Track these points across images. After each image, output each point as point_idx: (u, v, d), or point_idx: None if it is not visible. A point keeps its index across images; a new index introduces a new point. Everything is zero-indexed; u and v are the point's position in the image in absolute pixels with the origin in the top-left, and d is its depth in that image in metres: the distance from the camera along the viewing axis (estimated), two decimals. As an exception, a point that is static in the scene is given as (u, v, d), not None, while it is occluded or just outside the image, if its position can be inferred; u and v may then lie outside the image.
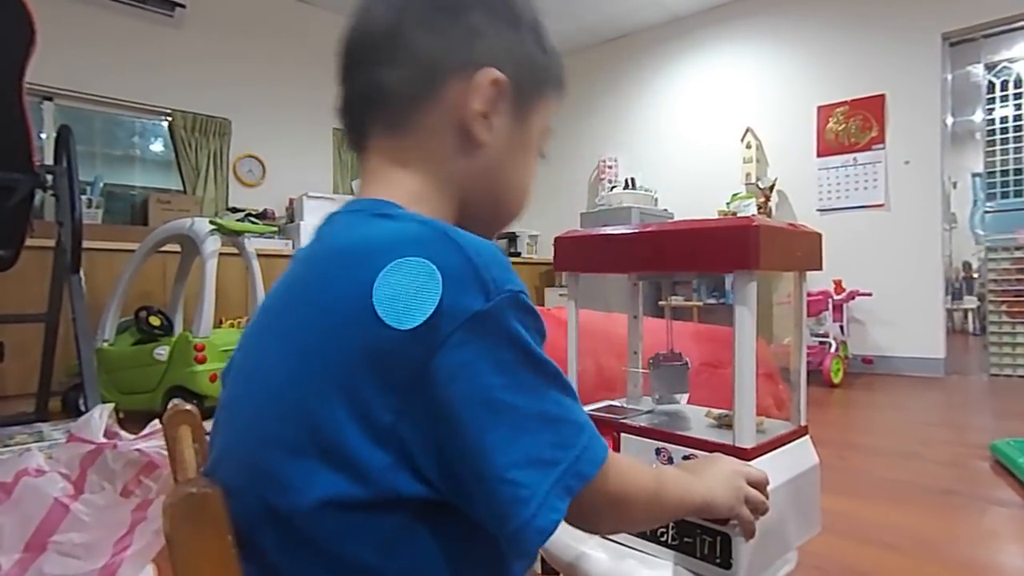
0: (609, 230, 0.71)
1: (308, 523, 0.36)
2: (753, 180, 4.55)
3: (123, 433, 1.55)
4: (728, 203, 4.58)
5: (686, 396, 0.82)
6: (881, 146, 4.11)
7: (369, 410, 0.35)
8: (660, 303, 4.55)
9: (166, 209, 3.73)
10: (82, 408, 2.15)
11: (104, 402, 1.75)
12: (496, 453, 0.35)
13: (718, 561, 0.58)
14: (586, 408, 0.81)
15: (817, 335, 3.91)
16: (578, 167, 5.81)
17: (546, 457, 0.36)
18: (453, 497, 0.37)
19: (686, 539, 0.61)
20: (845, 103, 4.25)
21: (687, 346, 2.56)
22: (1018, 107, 3.95)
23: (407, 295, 0.35)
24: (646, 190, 5.11)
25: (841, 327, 3.95)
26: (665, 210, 5.01)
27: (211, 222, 2.65)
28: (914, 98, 4.00)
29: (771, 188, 4.46)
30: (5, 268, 2.11)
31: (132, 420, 1.69)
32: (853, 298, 3.96)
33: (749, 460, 0.61)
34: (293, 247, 4.23)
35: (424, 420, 0.35)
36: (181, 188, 4.26)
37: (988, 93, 4.04)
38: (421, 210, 0.45)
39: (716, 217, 4.41)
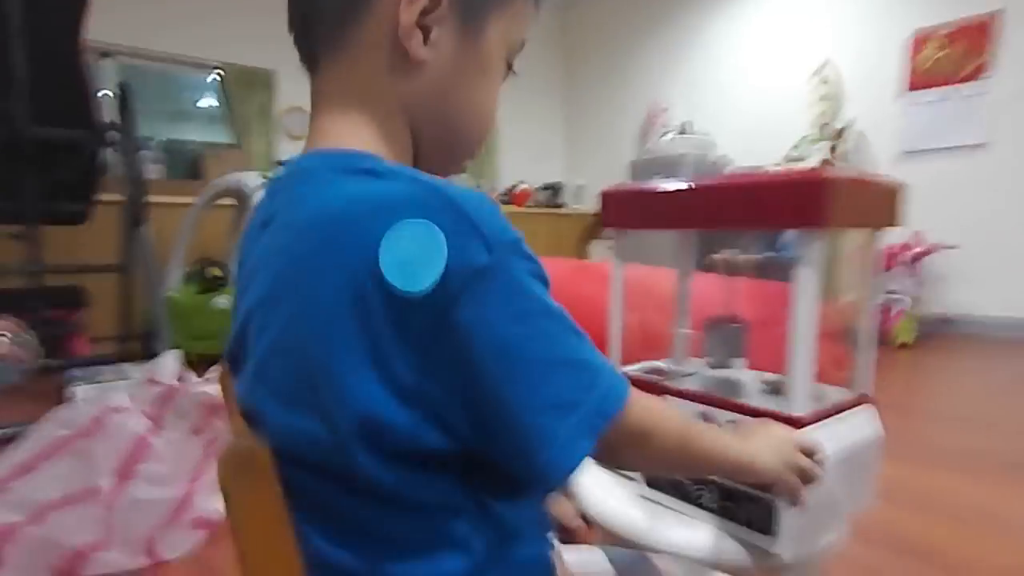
0: (661, 185, 0.66)
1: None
2: (827, 120, 4.18)
3: (192, 376, 1.67)
4: (796, 147, 4.24)
5: (743, 361, 0.77)
6: (987, 75, 3.63)
7: (394, 374, 0.36)
8: (712, 256, 4.36)
9: (219, 163, 3.82)
10: (156, 352, 2.29)
11: (174, 347, 1.87)
12: (521, 401, 0.36)
13: (761, 528, 0.56)
14: (627, 368, 0.77)
15: (890, 291, 3.65)
16: (628, 112, 5.53)
17: (568, 399, 0.37)
18: (480, 444, 0.38)
19: (727, 503, 0.58)
20: (948, 25, 3.75)
21: (739, 304, 2.49)
22: None
23: (414, 259, 0.34)
24: (703, 134, 4.80)
25: (919, 283, 3.68)
26: (724, 156, 4.68)
27: (261, 175, 2.71)
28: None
29: (847, 129, 4.10)
30: (79, 222, 2.22)
31: (201, 364, 1.80)
32: (935, 251, 3.65)
33: (801, 428, 0.57)
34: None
35: (447, 377, 0.36)
36: (233, 142, 4.34)
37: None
38: (381, 152, 0.42)
39: (781, 164, 4.18)
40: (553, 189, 5.44)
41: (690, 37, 5.12)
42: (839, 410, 0.62)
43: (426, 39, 0.42)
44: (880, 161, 4.11)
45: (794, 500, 0.53)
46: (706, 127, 4.84)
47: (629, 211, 0.71)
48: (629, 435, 0.41)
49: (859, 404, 0.65)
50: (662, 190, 0.66)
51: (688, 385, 0.70)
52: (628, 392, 0.40)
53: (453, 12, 0.42)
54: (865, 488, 0.65)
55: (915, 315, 3.52)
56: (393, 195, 0.37)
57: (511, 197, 5.21)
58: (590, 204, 5.48)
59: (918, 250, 3.63)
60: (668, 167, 4.34)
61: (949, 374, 2.86)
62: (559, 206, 5.39)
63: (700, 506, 0.61)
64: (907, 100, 3.97)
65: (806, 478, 0.53)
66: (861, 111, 4.12)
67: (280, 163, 4.38)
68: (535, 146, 5.98)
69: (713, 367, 0.77)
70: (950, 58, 3.77)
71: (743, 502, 0.56)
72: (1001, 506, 1.41)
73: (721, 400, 0.63)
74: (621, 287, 0.74)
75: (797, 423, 0.57)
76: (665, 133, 5.00)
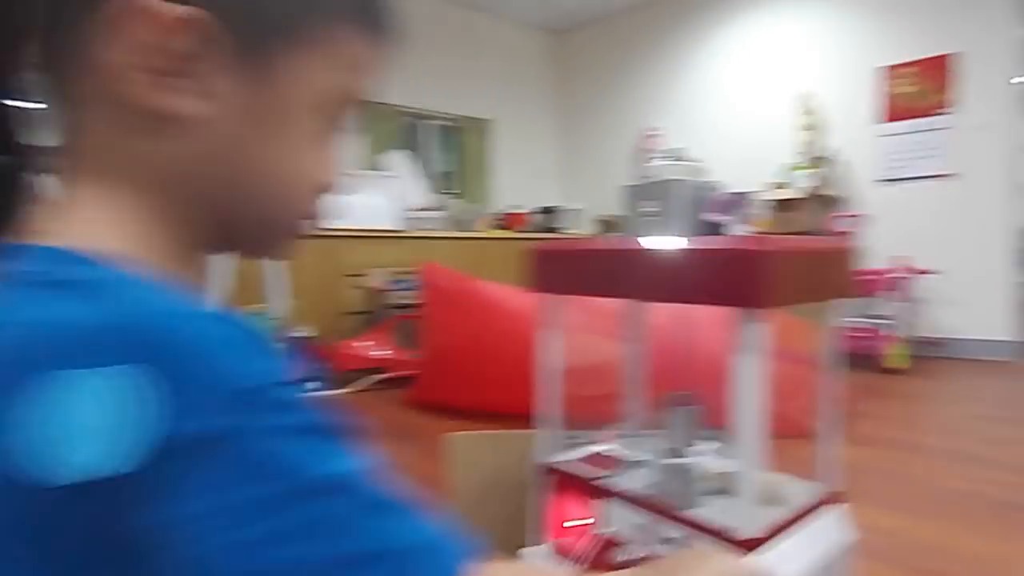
0: (594, 246, 0.57)
1: None
2: (810, 149, 4.22)
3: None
4: (782, 173, 4.28)
5: (703, 445, 0.67)
6: (950, 110, 3.74)
7: None
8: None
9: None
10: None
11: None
12: None
13: None
14: (563, 457, 0.67)
15: (878, 316, 3.62)
16: (621, 137, 5.56)
17: None
18: None
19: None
20: (914, 63, 3.87)
21: (715, 334, 2.38)
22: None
23: (66, 434, 0.22)
24: (693, 161, 4.82)
25: (904, 308, 3.65)
26: (714, 182, 4.69)
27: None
28: (988, 56, 3.61)
29: (829, 157, 4.14)
30: None
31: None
32: (916, 276, 3.64)
33: (751, 550, 0.46)
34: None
35: None
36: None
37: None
38: (130, 245, 0.30)
39: (768, 190, 4.18)
40: (549, 212, 5.38)
41: (681, 64, 5.15)
42: (800, 517, 0.52)
43: (180, 86, 0.30)
44: (861, 188, 4.14)
45: None
46: (697, 153, 4.86)
47: (562, 274, 0.61)
48: None
49: (826, 504, 0.55)
50: (595, 252, 0.56)
51: (635, 482, 0.59)
52: (466, 555, 0.27)
53: (223, 49, 0.31)
54: (837, 606, 0.55)
55: (906, 339, 3.48)
56: (65, 328, 0.24)
57: (506, 221, 5.13)
58: (587, 228, 5.45)
59: (902, 274, 3.60)
60: (660, 191, 4.30)
61: (935, 402, 2.79)
62: (555, 230, 5.32)
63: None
64: (881, 131, 4.02)
65: None
66: (842, 140, 4.18)
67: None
68: (530, 169, 5.96)
69: (671, 454, 0.67)
70: (919, 93, 3.86)
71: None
72: (987, 558, 1.31)
73: (664, 511, 0.53)
74: (558, 354, 0.64)
75: (746, 545, 0.46)
76: (657, 158, 5.00)
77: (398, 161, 4.98)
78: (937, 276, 3.69)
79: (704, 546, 0.48)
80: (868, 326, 3.55)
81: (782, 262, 0.43)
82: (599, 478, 0.59)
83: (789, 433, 2.16)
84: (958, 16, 3.70)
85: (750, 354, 0.44)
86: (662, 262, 0.48)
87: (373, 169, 4.82)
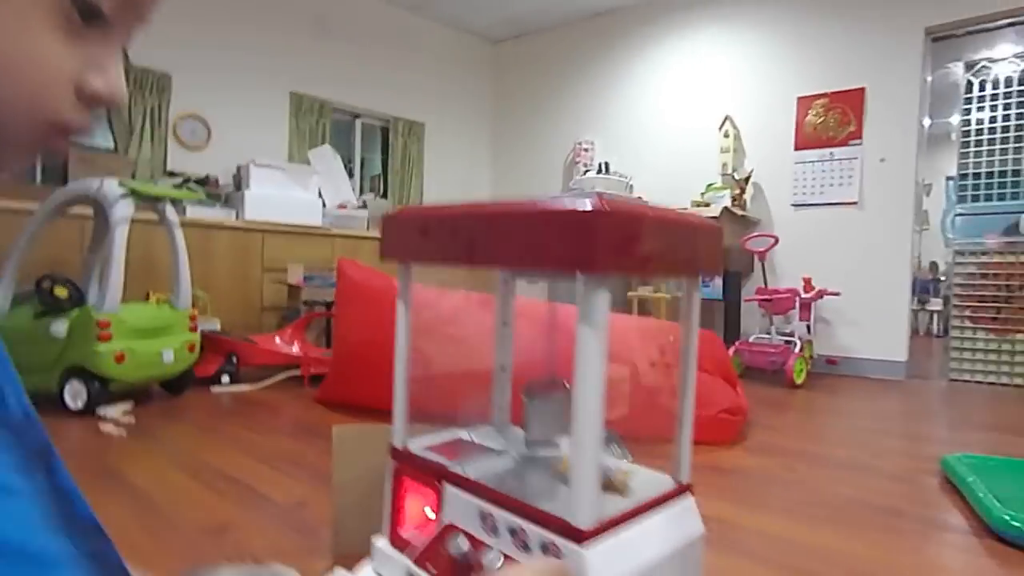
0: (440, 209, 0.53)
1: None
2: (729, 171, 4.40)
3: None
4: (703, 193, 4.43)
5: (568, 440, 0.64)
6: (858, 142, 3.98)
7: None
8: (628, 294, 4.41)
9: (89, 168, 3.44)
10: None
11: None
12: None
13: None
14: (423, 440, 0.62)
15: (783, 334, 3.80)
16: (554, 148, 5.63)
17: None
18: None
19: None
20: (825, 95, 4.11)
21: (632, 343, 2.40)
22: (994, 109, 3.83)
23: None
24: (621, 175, 4.94)
25: (808, 326, 3.84)
26: (639, 198, 4.84)
27: (122, 183, 2.41)
28: (894, 94, 3.88)
29: (747, 180, 4.31)
30: None
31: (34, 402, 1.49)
32: (821, 297, 3.85)
33: (586, 544, 0.43)
34: (237, 216, 3.99)
35: None
36: (112, 147, 3.96)
37: (966, 93, 3.92)
38: None
39: (689, 208, 4.33)
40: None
41: (614, 80, 5.26)
42: (646, 510, 0.49)
43: None
44: (774, 211, 4.34)
45: None
46: (624, 168, 4.99)
47: (410, 239, 0.56)
48: None
49: (677, 497, 0.53)
50: (443, 214, 0.52)
51: (480, 471, 0.55)
52: None
53: None
54: (683, 603, 0.52)
55: (806, 356, 3.65)
56: None
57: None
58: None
59: (806, 296, 3.79)
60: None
61: (831, 415, 2.92)
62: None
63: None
64: (795, 157, 4.25)
65: None
66: (759, 163, 4.37)
67: (170, 174, 4.04)
68: (461, 174, 5.92)
69: (531, 446, 0.63)
70: (827, 124, 4.10)
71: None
72: (867, 563, 1.35)
73: (503, 499, 0.49)
74: (407, 337, 0.59)
75: (580, 537, 0.43)
76: (586, 171, 5.09)
77: (325, 157, 4.83)
78: (839, 298, 3.91)
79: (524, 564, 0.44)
80: (778, 343, 3.71)
81: (625, 224, 0.40)
82: (443, 464, 0.55)
83: (706, 439, 2.22)
84: (871, 52, 3.95)
85: (590, 326, 0.41)
86: (502, 221, 0.45)
87: (299, 162, 4.66)
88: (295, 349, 3.34)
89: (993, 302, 3.74)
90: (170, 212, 2.68)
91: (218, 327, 3.49)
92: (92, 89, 0.32)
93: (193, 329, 2.78)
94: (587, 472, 0.42)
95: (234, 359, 3.17)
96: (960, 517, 1.64)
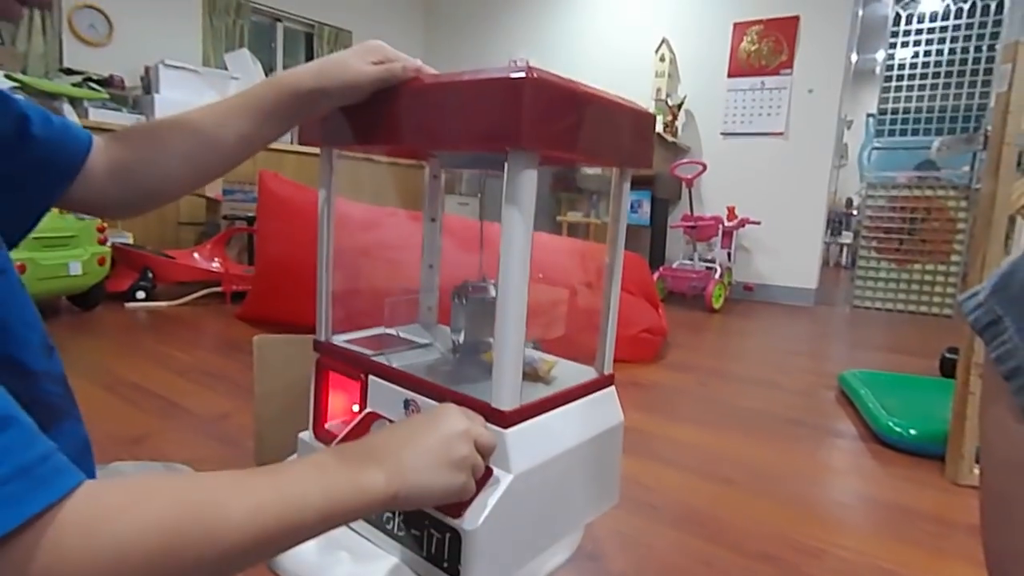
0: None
1: None
2: (663, 96, 4.39)
3: None
4: (634, 118, 4.42)
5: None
6: (789, 72, 4.04)
7: None
8: (557, 219, 4.43)
9: (-29, 60, 3.04)
10: None
11: None
12: None
13: (446, 565, 0.42)
14: (346, 336, 0.61)
15: (705, 260, 3.95)
16: (486, 62, 5.36)
17: None
18: None
19: (413, 531, 0.44)
20: (761, 22, 4.10)
21: (564, 263, 2.43)
22: (917, 44, 3.96)
23: None
24: (555, 96, 4.85)
25: (729, 254, 4.00)
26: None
27: (9, 76, 2.15)
28: (826, 25, 3.92)
29: (679, 106, 4.32)
30: None
31: None
32: (743, 226, 4.00)
33: (507, 426, 0.43)
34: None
35: None
36: (-5, 37, 3.51)
37: (893, 27, 4.01)
38: None
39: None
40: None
41: (548, -2, 5.04)
42: (567, 399, 0.50)
43: None
44: (704, 139, 4.39)
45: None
46: None
47: (331, 121, 0.52)
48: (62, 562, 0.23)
49: (598, 388, 0.54)
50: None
51: (408, 361, 0.54)
52: (65, 487, 0.23)
53: None
54: (601, 487, 0.55)
55: (724, 283, 3.82)
56: None
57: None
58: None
59: (729, 224, 3.92)
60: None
61: (744, 337, 3.10)
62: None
63: (388, 533, 0.47)
64: (728, 84, 4.25)
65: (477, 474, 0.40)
66: (693, 90, 4.37)
67: (67, 71, 3.63)
68: None
69: (462, 348, 0.62)
70: (760, 52, 4.11)
71: (428, 530, 0.42)
72: (768, 465, 1.48)
73: (426, 384, 0.49)
74: (330, 224, 0.56)
75: (502, 419, 0.43)
76: None
77: (244, 62, 4.46)
78: (758, 227, 4.07)
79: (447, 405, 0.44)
80: (699, 269, 3.86)
81: (556, 95, 0.38)
82: (367, 355, 0.54)
83: (627, 357, 2.31)
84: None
85: (515, 205, 0.40)
86: (428, 96, 0.42)
87: (215, 67, 4.29)
88: (215, 265, 3.19)
89: (897, 234, 4.01)
90: (69, 113, 2.43)
91: (130, 240, 3.27)
92: None
93: (102, 241, 2.59)
94: (510, 355, 0.42)
95: (150, 275, 3.00)
96: (851, 425, 1.81)
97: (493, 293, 0.62)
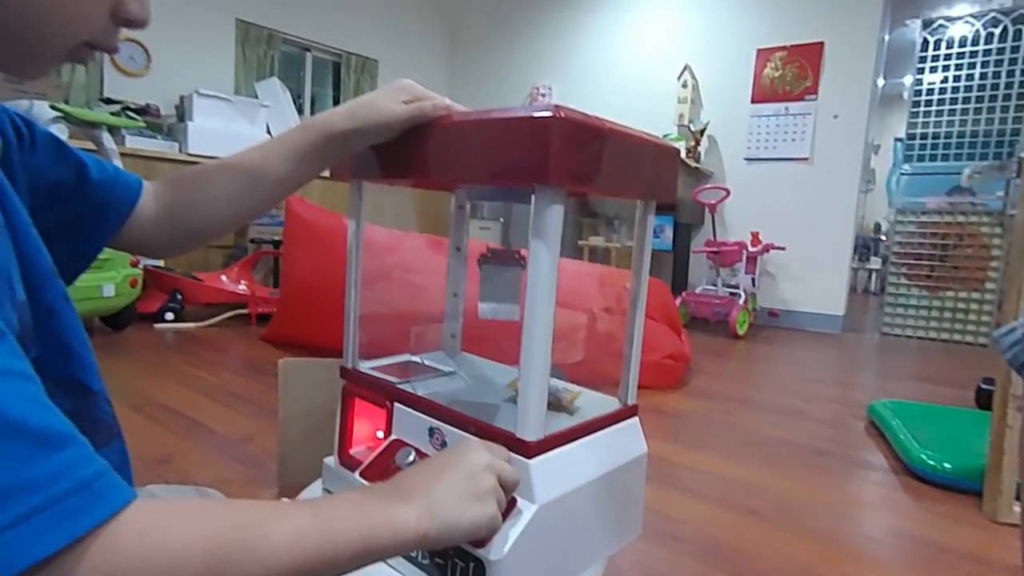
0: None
1: None
2: (685, 122, 4.40)
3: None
4: (659, 143, 4.43)
5: (516, 310, 0.62)
6: (813, 97, 4.03)
7: None
8: (579, 243, 4.44)
9: (18, 90, 3.18)
10: None
11: None
12: None
13: (470, 594, 0.42)
14: (372, 363, 0.61)
15: (729, 286, 3.91)
16: (511, 92, 5.49)
17: None
18: None
19: (437, 560, 0.44)
20: (784, 48, 4.11)
21: (587, 289, 2.43)
22: (946, 69, 3.92)
23: None
24: (577, 122, 4.89)
25: (753, 279, 3.96)
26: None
27: (53, 106, 2.24)
28: (852, 50, 3.91)
29: (702, 132, 4.33)
30: None
31: None
32: (767, 251, 3.96)
33: (531, 457, 0.44)
34: (180, 149, 3.78)
35: None
36: (41, 67, 3.65)
37: (921, 51, 3.98)
38: None
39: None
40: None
41: (574, 24, 5.13)
42: (590, 429, 0.50)
43: None
44: (727, 164, 4.38)
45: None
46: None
47: (361, 155, 0.54)
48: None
49: (621, 418, 0.54)
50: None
51: (433, 390, 0.55)
52: (121, 502, 0.25)
53: None
54: (623, 519, 0.54)
55: (749, 308, 3.78)
56: None
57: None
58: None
59: (753, 250, 3.89)
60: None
61: (769, 364, 3.05)
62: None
63: (413, 561, 0.47)
64: (751, 111, 4.26)
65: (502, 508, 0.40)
66: (715, 116, 4.38)
67: (107, 101, 3.77)
68: None
69: (484, 310, 0.61)
70: (784, 78, 4.11)
71: (452, 559, 0.42)
72: (794, 497, 1.44)
73: (451, 413, 0.49)
74: (358, 257, 0.57)
75: (526, 450, 0.43)
76: None
77: (274, 91, 4.60)
78: (783, 252, 4.03)
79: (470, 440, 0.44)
80: (723, 294, 3.82)
81: (582, 133, 0.39)
82: (392, 383, 0.55)
83: (649, 383, 2.29)
84: (832, 6, 3.95)
85: (541, 240, 0.40)
86: (457, 133, 0.43)
87: (246, 96, 4.42)
88: (242, 288, 3.25)
89: (928, 260, 3.93)
90: (107, 140, 2.52)
91: (160, 263, 3.35)
92: (127, 13, 0.36)
93: (135, 264, 2.67)
94: (535, 385, 0.43)
95: (179, 296, 3.06)
96: (881, 457, 1.76)
97: (516, 264, 0.61)
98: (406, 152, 0.48)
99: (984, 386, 2.24)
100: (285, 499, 0.31)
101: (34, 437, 0.24)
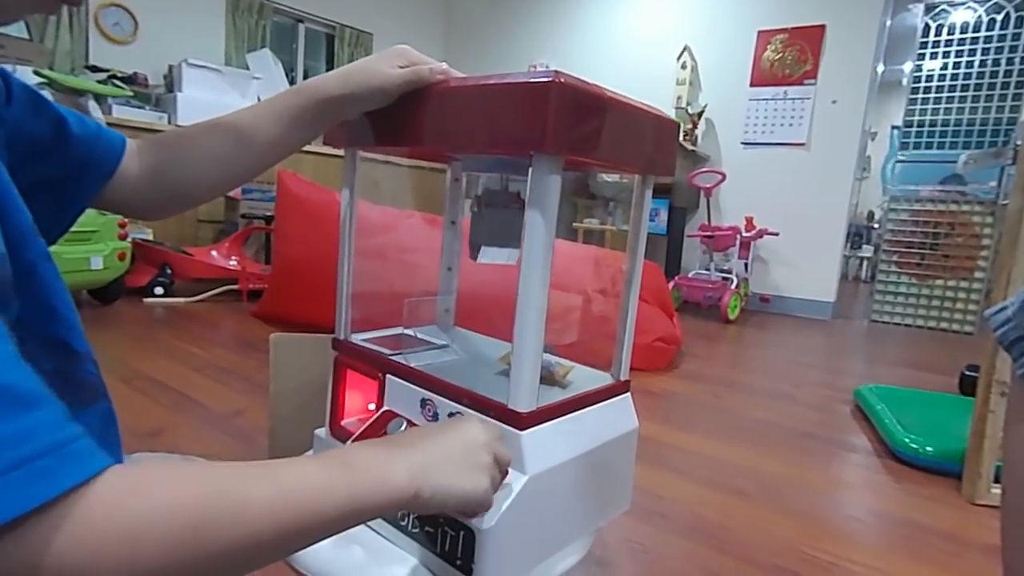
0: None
1: None
2: (683, 104, 4.37)
3: None
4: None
5: (516, 253, 0.60)
6: (812, 82, 4.00)
7: None
8: (574, 225, 4.42)
9: None
10: None
11: None
12: None
13: (459, 563, 0.42)
14: (364, 335, 0.61)
15: (721, 271, 3.92)
16: (506, 68, 5.43)
17: None
18: None
19: (427, 528, 0.44)
20: (785, 30, 4.06)
21: (580, 270, 2.43)
22: (947, 56, 3.90)
23: None
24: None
25: (746, 264, 3.97)
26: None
27: (37, 72, 2.20)
28: (853, 34, 3.88)
29: (700, 115, 4.30)
30: None
31: None
32: (761, 236, 3.96)
33: (523, 428, 0.44)
34: (170, 121, 3.72)
35: None
36: (26, 35, 3.57)
37: (923, 37, 3.95)
38: None
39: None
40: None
41: (573, 2, 5.04)
42: (582, 403, 0.50)
43: None
44: (724, 148, 4.36)
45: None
46: None
47: (355, 122, 0.52)
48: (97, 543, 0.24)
49: (614, 394, 0.54)
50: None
51: (425, 360, 0.55)
52: (96, 467, 0.24)
53: None
54: (613, 492, 0.55)
55: (741, 293, 3.79)
56: None
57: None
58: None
59: (747, 235, 3.89)
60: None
61: (759, 348, 3.07)
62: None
63: (402, 530, 0.47)
64: (750, 94, 4.22)
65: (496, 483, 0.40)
66: (713, 99, 4.34)
67: (92, 69, 3.70)
68: None
69: (476, 251, 0.60)
70: (784, 61, 4.07)
71: (442, 527, 0.42)
72: (779, 478, 1.46)
73: (444, 385, 0.49)
74: (352, 225, 0.57)
75: (518, 422, 0.43)
76: None
77: (265, 63, 4.52)
78: (777, 238, 4.03)
79: (465, 415, 0.45)
80: (716, 279, 3.83)
81: (582, 100, 0.38)
82: (384, 355, 0.54)
83: (640, 366, 2.30)
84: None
85: (538, 210, 0.40)
86: (454, 99, 0.42)
87: (237, 67, 4.35)
88: (233, 263, 3.22)
89: (919, 249, 3.95)
90: (94, 109, 2.47)
91: (149, 236, 3.32)
92: None
93: (123, 237, 2.64)
94: (528, 356, 0.43)
95: (168, 270, 3.04)
96: (866, 440, 1.79)
97: (517, 204, 0.58)
98: (401, 119, 0.47)
99: (968, 373, 2.27)
100: (274, 459, 0.31)
101: (4, 394, 0.23)
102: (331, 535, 0.32)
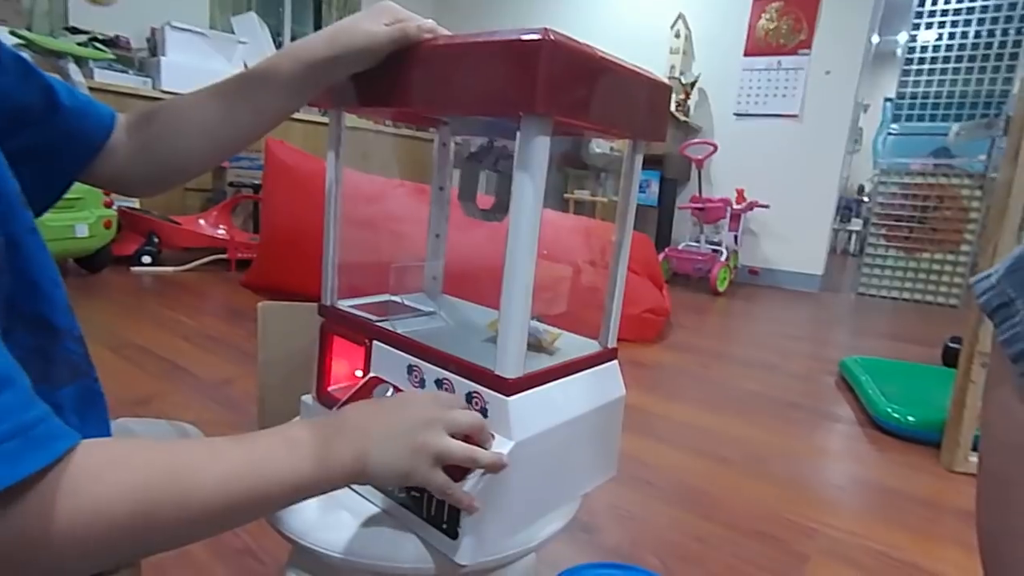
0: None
1: None
2: (676, 74, 4.31)
3: None
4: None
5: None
6: (807, 52, 3.96)
7: None
8: (564, 196, 4.40)
9: (-23, 15, 3.00)
10: None
11: None
12: None
13: (445, 527, 0.43)
14: (351, 302, 0.61)
15: (711, 243, 3.92)
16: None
17: None
18: None
19: (413, 492, 0.45)
20: None
21: (574, 241, 2.42)
22: (942, 26, 3.86)
23: None
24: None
25: (736, 237, 3.98)
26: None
27: (14, 33, 2.13)
28: (848, 2, 3.83)
29: (693, 85, 4.25)
30: None
31: None
32: (752, 209, 3.96)
33: (510, 394, 0.44)
34: (154, 86, 3.63)
35: None
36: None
37: (919, 6, 3.91)
38: None
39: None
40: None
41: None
42: (570, 370, 0.50)
43: None
44: (717, 119, 4.33)
45: (460, 502, 0.41)
46: None
47: (341, 82, 0.51)
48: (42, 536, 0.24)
49: (601, 361, 0.54)
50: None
51: (412, 327, 0.55)
52: (60, 449, 0.25)
53: None
54: (599, 459, 0.55)
55: (730, 266, 3.81)
56: None
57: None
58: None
59: (737, 207, 3.89)
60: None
61: (747, 320, 3.10)
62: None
63: (388, 494, 0.47)
64: (744, 64, 4.17)
65: (487, 466, 0.42)
66: (707, 69, 4.28)
67: (72, 30, 3.59)
68: None
69: (468, 208, 0.60)
70: (779, 30, 4.02)
71: (427, 492, 0.43)
72: (763, 446, 1.49)
73: (430, 351, 0.49)
74: (338, 189, 0.56)
75: (504, 387, 0.43)
76: None
77: (251, 27, 4.40)
78: (767, 211, 4.04)
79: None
80: (705, 251, 3.84)
81: (572, 58, 0.37)
82: (371, 321, 0.54)
83: (629, 337, 2.31)
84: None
85: (527, 172, 0.39)
86: (440, 58, 0.41)
87: (222, 31, 4.23)
88: (221, 232, 3.19)
89: (908, 222, 3.97)
90: (75, 73, 2.41)
91: (136, 204, 3.27)
92: None
93: (108, 204, 2.59)
94: (516, 321, 0.42)
95: (155, 239, 3.00)
96: (849, 410, 1.82)
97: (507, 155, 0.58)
98: (387, 79, 0.46)
99: (951, 345, 2.30)
100: (224, 436, 0.33)
101: None
102: (279, 509, 0.34)
